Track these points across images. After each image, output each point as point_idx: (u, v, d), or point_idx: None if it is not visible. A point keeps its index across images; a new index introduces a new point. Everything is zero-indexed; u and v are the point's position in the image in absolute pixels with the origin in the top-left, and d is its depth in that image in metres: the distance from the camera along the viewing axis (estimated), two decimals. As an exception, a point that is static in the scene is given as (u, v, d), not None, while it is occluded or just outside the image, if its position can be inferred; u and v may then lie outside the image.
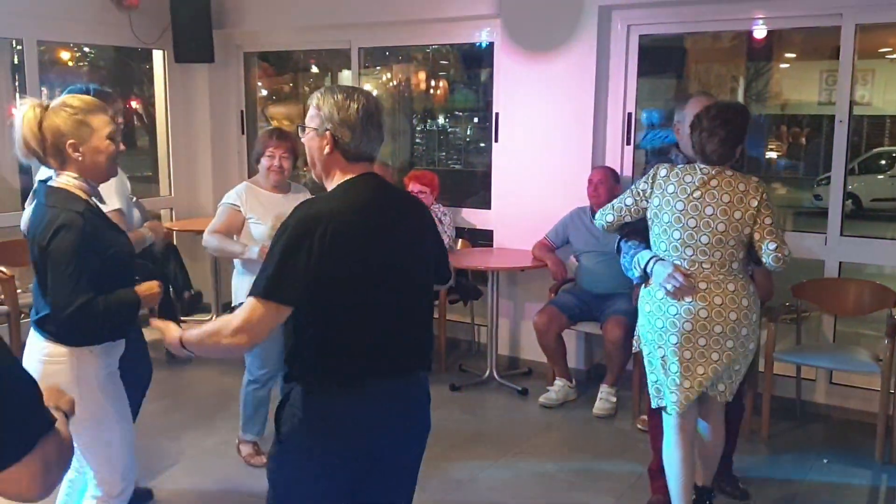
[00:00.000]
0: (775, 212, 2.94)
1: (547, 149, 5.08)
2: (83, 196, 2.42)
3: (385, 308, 2.06)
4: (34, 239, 2.36)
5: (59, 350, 2.41)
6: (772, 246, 2.87)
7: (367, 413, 2.06)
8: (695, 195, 2.92)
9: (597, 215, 3.28)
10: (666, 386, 3.02)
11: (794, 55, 9.28)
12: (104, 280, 2.37)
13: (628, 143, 5.01)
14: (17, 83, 6.56)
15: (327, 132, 2.04)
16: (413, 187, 5.29)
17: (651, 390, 3.12)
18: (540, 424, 4.50)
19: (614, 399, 4.65)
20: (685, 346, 2.94)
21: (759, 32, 5.23)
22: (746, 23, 4.87)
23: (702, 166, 2.96)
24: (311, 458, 2.07)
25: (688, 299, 2.91)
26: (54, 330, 2.40)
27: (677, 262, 2.95)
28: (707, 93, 3.21)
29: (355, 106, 2.03)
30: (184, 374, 5.28)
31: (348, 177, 2.07)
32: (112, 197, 3.40)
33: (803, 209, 10.37)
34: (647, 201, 3.02)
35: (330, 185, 2.10)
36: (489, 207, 5.54)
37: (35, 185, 2.55)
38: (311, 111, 2.09)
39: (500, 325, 5.25)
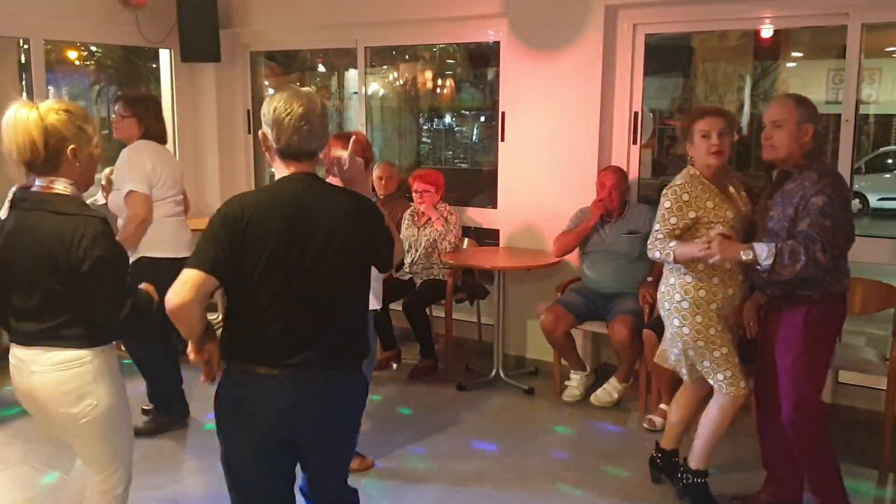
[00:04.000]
0: (663, 209, 3.24)
1: (553, 148, 5.08)
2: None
3: (286, 299, 2.18)
4: (55, 247, 2.31)
5: (79, 354, 2.41)
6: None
7: (258, 398, 2.22)
8: None
9: None
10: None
11: (801, 54, 9.24)
12: None
13: (634, 143, 5.01)
14: (23, 82, 6.59)
15: (261, 131, 2.27)
16: (417, 186, 5.29)
17: None
18: (546, 424, 4.50)
19: (616, 395, 4.66)
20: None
21: (766, 31, 5.21)
22: (753, 22, 4.86)
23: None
24: (230, 434, 2.30)
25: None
26: (82, 333, 2.40)
27: None
28: (791, 94, 3.22)
29: (284, 106, 2.19)
30: (190, 372, 5.29)
31: (282, 174, 2.26)
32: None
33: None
34: None
35: None
36: (495, 206, 5.55)
37: (12, 193, 2.52)
38: None
39: (507, 324, 5.25)
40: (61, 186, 2.39)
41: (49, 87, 5.80)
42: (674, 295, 3.26)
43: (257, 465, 2.31)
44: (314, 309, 2.21)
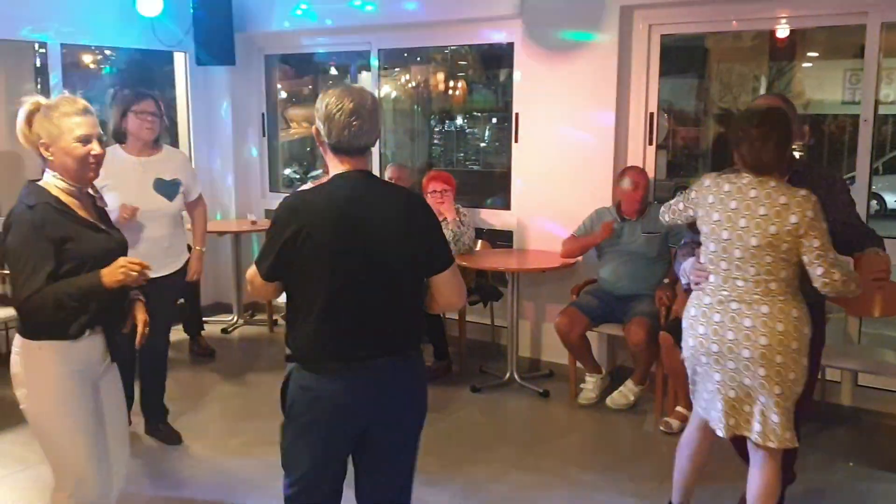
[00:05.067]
0: (824, 230, 2.69)
1: (568, 149, 5.07)
2: (53, 192, 2.48)
3: (348, 297, 2.24)
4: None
5: (20, 341, 2.51)
6: (818, 272, 2.68)
7: (333, 394, 2.28)
8: (731, 205, 2.76)
9: (661, 209, 3.20)
10: (705, 400, 2.94)
11: (817, 54, 9.17)
12: (65, 274, 2.41)
13: (650, 143, 4.99)
14: (39, 86, 6.63)
15: (314, 126, 2.31)
16: (435, 186, 5.27)
17: (692, 397, 3.06)
18: (562, 426, 4.49)
19: (632, 398, 4.64)
20: (714, 368, 2.83)
21: (782, 31, 5.17)
22: (769, 22, 4.83)
23: (744, 175, 2.78)
24: (300, 429, 2.34)
25: (716, 319, 2.79)
26: (18, 322, 2.52)
27: (713, 277, 2.83)
28: (778, 94, 3.09)
29: (335, 102, 2.23)
30: (206, 373, 5.31)
31: (338, 171, 2.30)
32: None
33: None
34: (695, 210, 2.92)
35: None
36: (508, 208, 5.54)
37: None
38: None
39: (521, 326, 5.24)
40: (45, 177, 2.52)
41: (64, 91, 5.82)
42: (803, 329, 2.76)
43: (323, 459, 2.37)
44: (372, 304, 2.26)
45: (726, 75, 8.95)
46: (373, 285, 2.25)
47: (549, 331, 5.08)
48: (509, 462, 4.01)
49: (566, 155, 5.08)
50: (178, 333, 5.70)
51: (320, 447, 2.36)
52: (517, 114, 5.31)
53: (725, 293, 2.78)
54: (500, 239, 5.74)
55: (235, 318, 6.47)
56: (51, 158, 2.49)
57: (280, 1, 6.11)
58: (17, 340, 2.53)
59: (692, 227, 3.05)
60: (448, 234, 5.18)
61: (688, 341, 2.92)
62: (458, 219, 5.24)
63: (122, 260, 2.43)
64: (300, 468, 2.39)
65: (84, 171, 2.53)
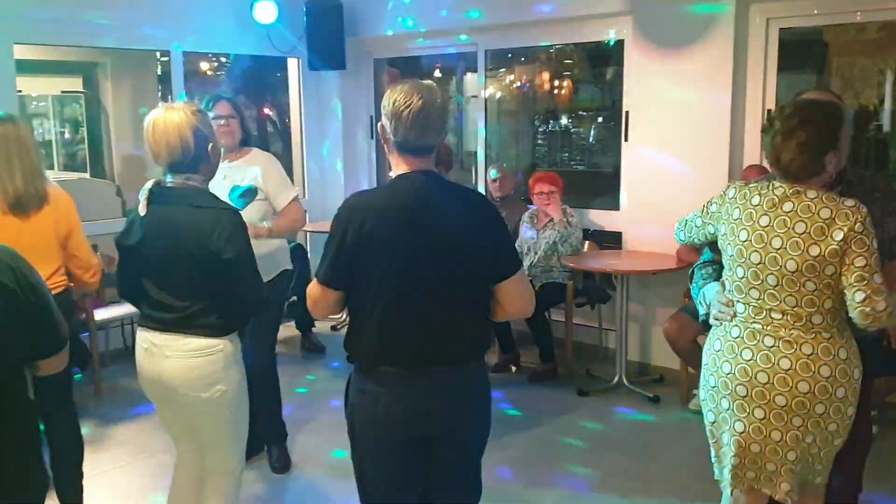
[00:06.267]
0: (873, 250, 2.19)
1: (681, 148, 4.94)
2: None
3: (409, 301, 2.17)
4: (195, 239, 2.43)
5: (213, 342, 2.52)
6: (858, 297, 2.17)
7: (389, 401, 2.21)
8: (761, 222, 2.27)
9: (677, 226, 2.78)
10: (719, 456, 2.50)
11: (950, 44, 8.63)
12: None
13: (768, 142, 4.80)
14: (161, 93, 6.97)
15: (380, 123, 2.24)
16: (542, 188, 5.25)
17: (711, 454, 2.58)
18: (672, 432, 4.37)
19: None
20: (737, 416, 2.34)
21: (912, 21, 4.89)
22: (897, 12, 4.57)
23: (777, 184, 2.29)
24: (362, 433, 2.29)
25: (746, 356, 2.31)
26: (215, 322, 2.50)
27: (741, 307, 2.35)
28: (825, 89, 2.68)
29: (404, 99, 2.14)
30: (316, 369, 5.44)
31: (401, 171, 2.22)
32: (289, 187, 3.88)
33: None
34: (716, 226, 2.46)
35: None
36: (617, 208, 5.44)
37: (148, 191, 2.54)
38: None
39: (630, 329, 5.14)
40: (195, 182, 2.54)
41: (185, 97, 6.11)
42: (853, 372, 2.29)
43: (388, 465, 2.30)
44: (436, 309, 2.19)
45: (847, 70, 8.52)
46: (434, 290, 2.17)
47: (658, 334, 4.97)
48: (617, 468, 3.94)
49: (679, 153, 4.95)
50: (290, 330, 5.89)
51: (383, 451, 2.27)
52: (627, 112, 5.22)
53: (757, 326, 2.31)
54: (608, 240, 5.65)
55: (344, 316, 6.60)
56: (213, 160, 2.60)
57: (389, 5, 6.21)
58: (205, 342, 2.50)
59: (714, 245, 2.63)
60: (553, 236, 5.15)
61: (709, 380, 2.43)
62: (564, 219, 5.19)
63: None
64: (370, 482, 2.34)
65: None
